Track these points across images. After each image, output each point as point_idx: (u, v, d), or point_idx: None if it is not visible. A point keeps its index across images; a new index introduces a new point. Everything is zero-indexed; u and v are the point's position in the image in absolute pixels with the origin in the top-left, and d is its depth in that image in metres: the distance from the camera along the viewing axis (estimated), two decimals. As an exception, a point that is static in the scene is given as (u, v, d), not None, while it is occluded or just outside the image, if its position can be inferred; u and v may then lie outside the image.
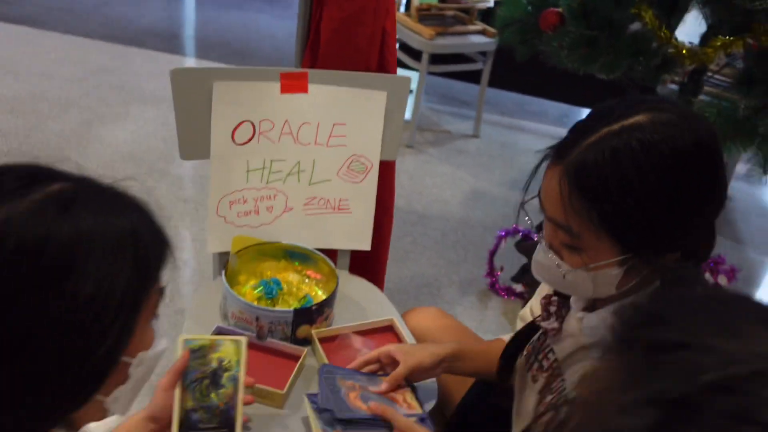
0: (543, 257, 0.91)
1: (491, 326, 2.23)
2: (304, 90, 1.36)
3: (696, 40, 1.94)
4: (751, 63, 1.65)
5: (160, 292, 0.69)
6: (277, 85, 1.34)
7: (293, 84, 1.35)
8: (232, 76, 1.31)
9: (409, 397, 1.13)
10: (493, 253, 2.37)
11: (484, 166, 3.20)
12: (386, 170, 1.53)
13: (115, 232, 0.62)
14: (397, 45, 3.37)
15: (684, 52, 1.84)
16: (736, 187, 3.28)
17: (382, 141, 1.40)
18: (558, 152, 0.84)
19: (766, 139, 1.54)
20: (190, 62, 3.93)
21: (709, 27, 1.93)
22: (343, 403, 1.05)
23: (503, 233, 2.36)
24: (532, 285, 1.43)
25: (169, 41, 4.09)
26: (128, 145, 2.82)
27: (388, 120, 1.39)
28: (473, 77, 3.37)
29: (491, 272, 2.38)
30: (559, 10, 1.74)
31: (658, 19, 1.88)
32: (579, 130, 0.84)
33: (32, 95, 3.11)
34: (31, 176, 0.62)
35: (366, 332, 1.32)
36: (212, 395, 0.96)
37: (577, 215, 0.82)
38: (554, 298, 1.01)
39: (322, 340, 1.27)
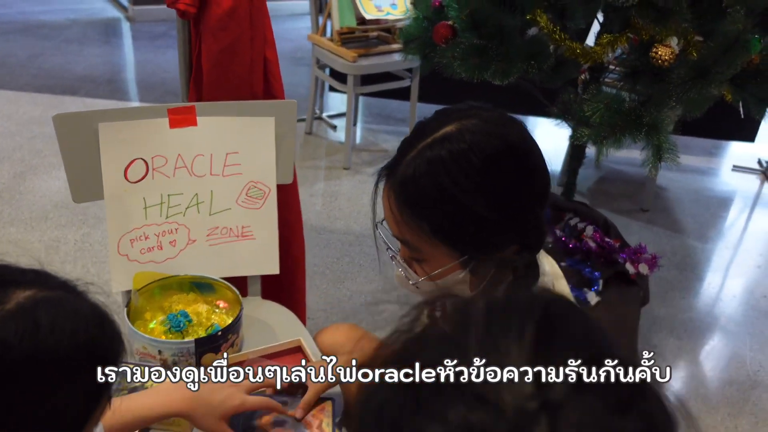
0: (399, 274, 0.95)
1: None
2: (193, 123, 1.38)
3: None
4: (633, 57, 1.72)
5: (109, 399, 0.68)
6: (165, 121, 1.37)
7: (181, 118, 1.37)
8: (117, 117, 1.33)
9: (326, 423, 1.15)
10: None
11: (421, 180, 3.25)
12: (287, 193, 1.56)
13: (73, 352, 0.61)
14: (327, 71, 3.43)
15: (578, 51, 1.91)
16: (668, 177, 3.38)
17: (276, 165, 1.43)
18: (388, 171, 0.88)
19: (653, 128, 1.61)
20: (123, 105, 3.94)
21: (601, 26, 2.01)
22: (253, 426, 1.07)
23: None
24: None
25: (104, 86, 4.10)
26: (62, 194, 2.82)
27: (279, 144, 1.42)
28: (404, 95, 3.43)
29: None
30: (450, 23, 1.80)
31: (553, 23, 1.95)
32: (402, 147, 0.88)
33: (-38, 154, 3.09)
34: None
35: (274, 355, 1.34)
36: None
37: (409, 229, 0.86)
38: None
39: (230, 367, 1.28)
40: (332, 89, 3.75)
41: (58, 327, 0.59)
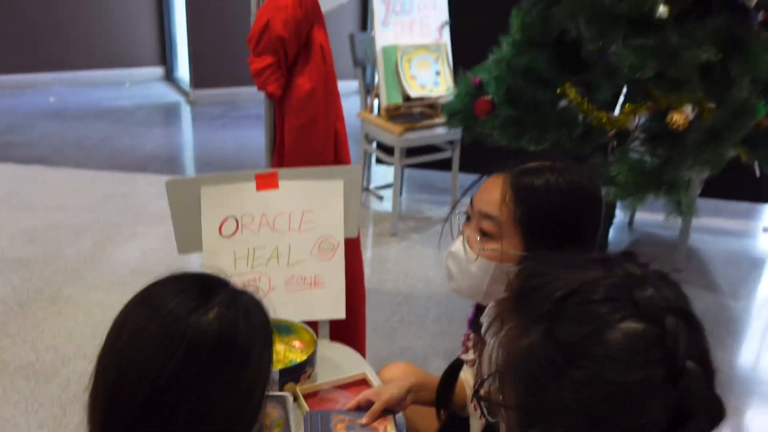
0: (458, 248, 1.19)
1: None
2: (276, 186, 1.65)
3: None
4: (653, 123, 1.95)
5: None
6: (253, 185, 1.63)
7: (266, 182, 1.64)
8: (216, 182, 1.61)
9: (390, 428, 1.34)
10: (471, 320, 2.59)
11: (465, 243, 3.46)
12: (351, 247, 1.79)
13: (268, 332, 0.86)
14: (374, 144, 3.74)
15: (604, 120, 2.14)
16: (700, 239, 3.52)
17: (344, 222, 1.68)
18: (504, 166, 1.16)
19: (672, 186, 1.81)
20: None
21: (624, 97, 2.25)
22: (329, 430, 1.27)
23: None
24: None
25: (169, 164, 4.48)
26: (138, 260, 3.11)
27: (347, 203, 1.67)
28: (446, 165, 3.69)
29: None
30: (489, 97, 2.06)
31: (581, 95, 2.20)
32: (520, 158, 1.15)
33: (48, 226, 3.44)
34: (204, 290, 0.82)
35: (343, 386, 1.54)
36: None
37: (507, 208, 1.12)
38: (471, 334, 1.25)
39: (306, 395, 1.49)
40: (379, 161, 4.05)
41: (254, 312, 0.83)
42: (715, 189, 3.46)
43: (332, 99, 1.70)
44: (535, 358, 0.65)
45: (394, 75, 3.48)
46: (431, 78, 3.56)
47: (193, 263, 2.54)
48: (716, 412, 0.63)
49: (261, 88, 1.67)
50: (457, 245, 1.21)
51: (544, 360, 0.64)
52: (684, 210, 1.82)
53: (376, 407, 1.34)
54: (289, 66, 1.69)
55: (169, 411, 0.75)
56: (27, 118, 5.29)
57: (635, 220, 3.71)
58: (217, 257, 1.62)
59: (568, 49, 2.20)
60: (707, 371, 0.64)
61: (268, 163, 1.80)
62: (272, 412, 1.37)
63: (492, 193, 1.15)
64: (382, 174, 4.20)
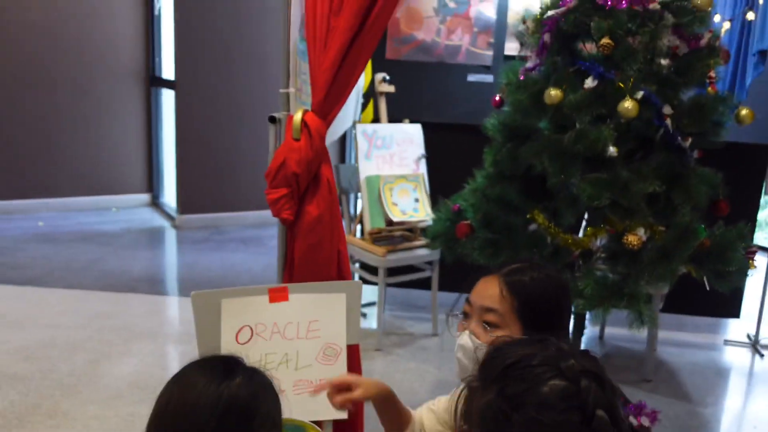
0: (465, 340, 1.41)
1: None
2: (286, 299, 1.87)
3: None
4: (612, 244, 2.25)
5: None
6: (266, 298, 1.85)
7: (278, 295, 1.86)
8: (234, 294, 1.82)
9: None
10: (457, 428, 2.74)
11: (445, 358, 3.65)
12: (352, 353, 1.99)
13: (278, 402, 1.07)
14: (358, 264, 3.99)
15: (570, 241, 2.44)
16: (667, 351, 3.77)
17: (346, 330, 1.89)
18: (496, 269, 1.42)
19: (633, 297, 2.08)
20: (176, 300, 4.46)
21: (586, 221, 2.57)
22: None
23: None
24: None
25: (158, 284, 4.65)
26: (133, 375, 3.22)
27: (349, 314, 1.89)
28: (425, 284, 3.94)
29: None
30: (468, 222, 2.35)
31: (548, 221, 2.51)
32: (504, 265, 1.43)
33: (42, 343, 3.54)
34: (227, 366, 1.05)
35: (350, 478, 1.69)
36: None
37: (506, 301, 1.35)
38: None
39: (316, 487, 1.64)
40: (363, 281, 4.28)
41: (269, 383, 1.04)
42: (678, 305, 3.76)
43: (336, 224, 1.97)
44: (492, 410, 0.90)
45: (377, 202, 3.80)
46: (411, 204, 3.89)
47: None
48: None
49: (276, 214, 1.94)
50: (464, 339, 1.43)
51: (497, 409, 0.89)
52: (646, 320, 2.07)
53: (339, 380, 1.61)
54: (300, 196, 1.96)
55: None
56: (16, 242, 5.46)
57: (605, 334, 3.96)
58: (234, 362, 1.80)
59: (535, 181, 2.53)
60: (615, 418, 0.87)
61: (279, 279, 2.02)
62: None
63: (489, 289, 1.40)
64: (366, 293, 4.42)
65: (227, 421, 0.96)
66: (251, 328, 1.83)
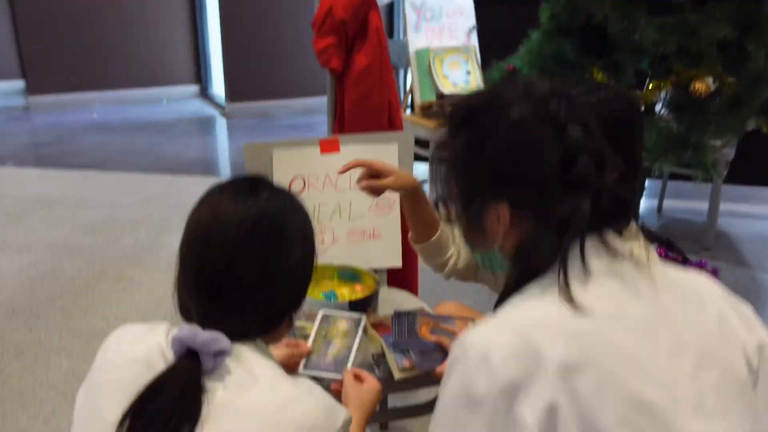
0: None
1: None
2: (337, 150, 1.85)
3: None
4: (677, 94, 2.13)
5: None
6: (317, 149, 1.84)
7: (329, 147, 1.84)
8: (285, 146, 1.81)
9: None
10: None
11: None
12: (406, 204, 1.98)
13: (305, 216, 1.03)
14: (408, 141, 3.94)
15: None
16: (727, 223, 3.67)
17: (400, 180, 1.87)
18: None
19: (698, 148, 1.98)
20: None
21: (649, 77, 2.43)
22: (415, 333, 1.43)
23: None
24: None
25: (210, 167, 4.74)
26: (191, 248, 3.33)
27: (401, 165, 1.87)
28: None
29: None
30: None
31: (607, 77, 2.39)
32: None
33: (106, 220, 3.68)
34: (252, 184, 1.00)
35: (405, 319, 1.72)
36: (328, 350, 1.44)
37: None
38: None
39: (373, 325, 1.67)
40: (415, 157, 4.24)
41: (297, 204, 1.02)
42: (742, 174, 3.62)
43: (386, 74, 1.91)
44: (465, 149, 0.91)
45: (428, 75, 3.70)
46: (462, 77, 3.77)
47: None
48: (600, 157, 0.84)
49: (324, 64, 1.88)
50: None
51: (469, 146, 0.89)
52: (710, 169, 1.98)
53: (387, 182, 1.45)
54: (348, 46, 1.90)
55: (245, 270, 0.93)
56: (74, 132, 5.59)
57: (663, 207, 3.86)
58: (288, 211, 1.82)
59: (594, 34, 2.39)
60: (589, 133, 0.85)
61: (330, 131, 2.00)
62: (341, 324, 1.53)
63: None
64: (416, 171, 4.40)
65: (257, 234, 0.94)
66: (304, 179, 1.83)
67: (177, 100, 6.69)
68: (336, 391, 1.31)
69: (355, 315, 1.58)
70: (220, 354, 0.89)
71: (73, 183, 4.33)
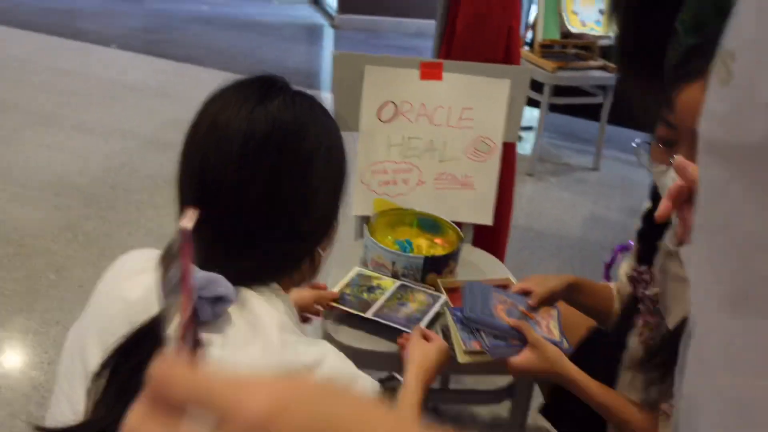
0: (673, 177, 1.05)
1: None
2: (439, 77, 1.58)
3: None
4: None
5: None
6: (417, 72, 1.57)
7: (430, 72, 1.57)
8: (380, 62, 1.55)
9: (552, 325, 1.26)
10: (608, 266, 2.44)
11: (603, 194, 3.28)
12: (508, 152, 1.71)
13: (328, 123, 0.84)
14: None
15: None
16: None
17: (505, 124, 1.59)
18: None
19: None
20: (328, 95, 4.33)
21: None
22: (490, 312, 1.21)
23: (620, 248, 2.43)
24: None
25: (312, 78, 4.54)
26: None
27: (511, 105, 1.58)
28: (593, 114, 3.48)
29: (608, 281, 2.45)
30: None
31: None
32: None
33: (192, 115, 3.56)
34: (264, 86, 0.82)
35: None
36: (364, 294, 1.23)
37: None
38: (644, 267, 1.14)
39: (447, 290, 1.44)
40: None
41: (318, 108, 0.82)
42: None
43: (512, -7, 1.59)
44: None
45: (555, 9, 3.29)
46: (594, 16, 3.33)
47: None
48: None
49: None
50: (671, 175, 1.05)
51: None
52: None
53: (540, 292, 1.26)
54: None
55: (250, 177, 0.75)
56: (181, 22, 5.50)
57: None
58: (372, 141, 1.58)
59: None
60: None
61: (435, 52, 1.72)
62: (420, 297, 1.36)
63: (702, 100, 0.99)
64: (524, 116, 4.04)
65: (267, 152, 0.75)
66: (395, 105, 1.58)
67: (288, 3, 6.48)
68: (401, 345, 1.20)
69: (437, 294, 1.37)
70: (220, 301, 0.70)
71: (169, 74, 4.25)
